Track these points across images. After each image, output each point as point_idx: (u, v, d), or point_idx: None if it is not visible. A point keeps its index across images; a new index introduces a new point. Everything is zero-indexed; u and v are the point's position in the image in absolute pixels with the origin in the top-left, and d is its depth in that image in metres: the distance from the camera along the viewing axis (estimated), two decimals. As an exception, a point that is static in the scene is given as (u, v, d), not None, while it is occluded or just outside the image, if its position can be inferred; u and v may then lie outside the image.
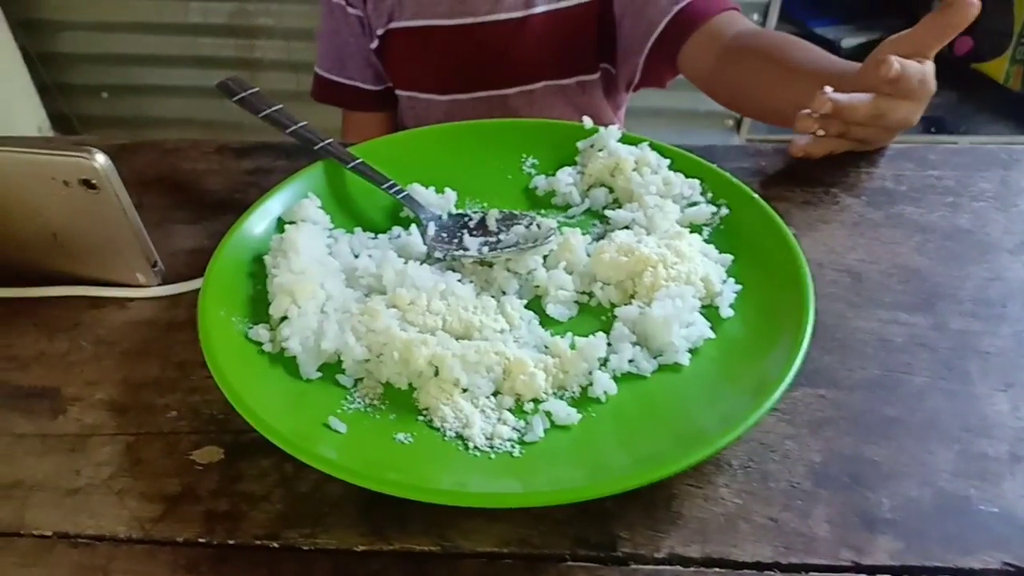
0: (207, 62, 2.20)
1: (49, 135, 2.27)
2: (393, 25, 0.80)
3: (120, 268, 0.45)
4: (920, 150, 0.56)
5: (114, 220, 0.43)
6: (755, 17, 2.01)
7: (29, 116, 2.19)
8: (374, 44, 0.82)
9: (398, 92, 0.85)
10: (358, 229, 0.48)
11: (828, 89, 0.49)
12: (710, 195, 0.49)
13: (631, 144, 0.52)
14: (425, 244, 0.46)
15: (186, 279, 0.46)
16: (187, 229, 0.51)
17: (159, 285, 0.46)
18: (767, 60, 0.63)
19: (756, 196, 0.46)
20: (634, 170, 0.50)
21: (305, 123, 0.53)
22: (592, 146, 0.53)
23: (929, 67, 0.51)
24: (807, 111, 0.50)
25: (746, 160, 0.56)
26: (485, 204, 0.51)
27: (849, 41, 2.80)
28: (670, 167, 0.50)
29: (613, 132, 0.52)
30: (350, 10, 0.81)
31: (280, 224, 0.47)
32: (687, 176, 0.50)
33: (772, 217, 0.45)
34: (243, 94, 0.54)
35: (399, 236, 0.48)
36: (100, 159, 0.40)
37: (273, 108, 0.54)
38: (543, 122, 0.55)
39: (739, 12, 0.71)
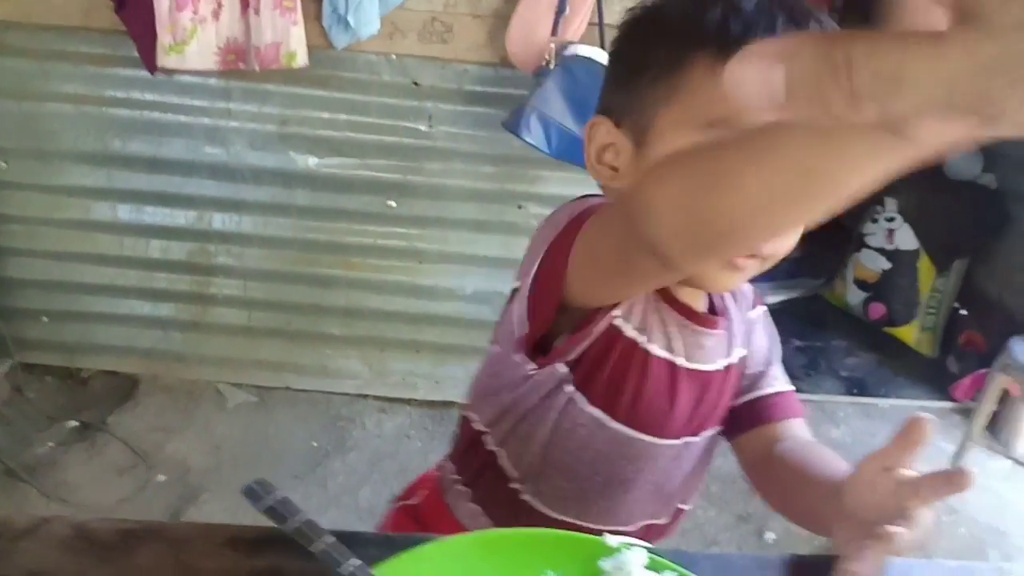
0: (159, 294, 2.22)
1: (-19, 359, 2.19)
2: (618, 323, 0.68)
3: None
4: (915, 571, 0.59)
5: None
6: None
7: (-38, 337, 2.12)
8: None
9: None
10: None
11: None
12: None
13: (656, 571, 0.53)
14: None
15: None
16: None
17: None
18: (791, 470, 0.67)
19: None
20: (662, 607, 0.51)
21: (332, 540, 0.52)
22: (616, 567, 0.54)
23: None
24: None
25: (757, 569, 0.58)
26: (514, 634, 0.51)
27: (770, 299, 3.05)
28: (696, 604, 0.52)
29: (639, 556, 0.54)
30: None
31: None
32: (714, 618, 0.51)
33: None
34: (269, 501, 0.54)
35: None
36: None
37: (296, 521, 0.53)
38: (566, 535, 0.57)
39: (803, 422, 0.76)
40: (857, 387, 2.61)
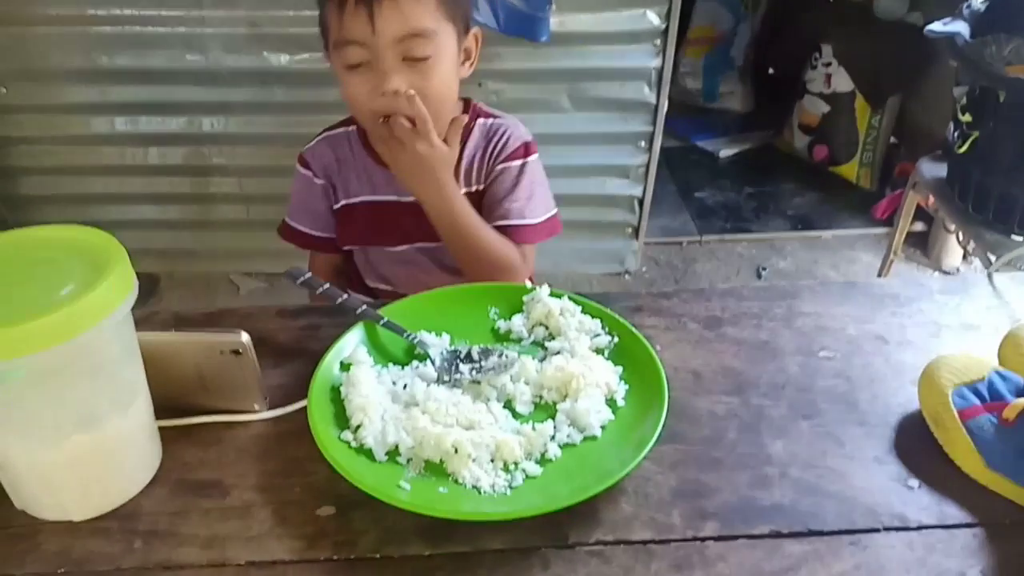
0: (164, 198, 2.44)
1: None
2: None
3: (243, 400, 0.71)
4: (737, 290, 0.87)
5: (245, 372, 0.69)
6: (641, 144, 2.41)
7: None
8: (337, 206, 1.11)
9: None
10: (390, 364, 0.76)
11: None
12: (607, 329, 0.79)
13: (557, 297, 0.82)
14: (436, 371, 0.74)
15: (282, 405, 0.72)
16: (273, 372, 0.77)
17: (268, 410, 0.72)
18: None
19: (635, 330, 0.77)
20: (560, 315, 0.80)
21: (346, 296, 0.80)
22: (533, 299, 0.82)
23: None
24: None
25: (629, 301, 0.86)
26: (468, 341, 0.79)
27: (725, 152, 3.28)
28: (582, 311, 0.80)
29: (544, 290, 0.82)
30: (316, 180, 1.09)
31: (343, 364, 0.74)
32: (592, 317, 0.80)
33: (644, 343, 0.75)
34: (303, 278, 0.81)
35: (417, 367, 0.76)
36: (245, 337, 0.67)
37: (323, 287, 0.80)
38: (502, 284, 0.86)
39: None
40: (801, 223, 2.87)
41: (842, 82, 2.89)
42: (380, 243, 1.11)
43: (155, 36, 2.13)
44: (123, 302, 0.59)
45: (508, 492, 0.63)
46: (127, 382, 0.63)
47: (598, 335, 0.78)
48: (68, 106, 2.24)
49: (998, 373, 0.68)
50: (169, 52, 2.16)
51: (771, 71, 3.68)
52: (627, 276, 2.57)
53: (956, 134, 1.82)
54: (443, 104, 0.97)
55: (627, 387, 0.73)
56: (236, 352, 0.67)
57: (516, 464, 0.66)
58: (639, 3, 2.20)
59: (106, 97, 2.22)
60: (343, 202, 1.09)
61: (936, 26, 1.72)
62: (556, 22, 2.07)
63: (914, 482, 0.66)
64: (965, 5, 1.66)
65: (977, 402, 0.66)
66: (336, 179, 1.09)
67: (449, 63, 0.95)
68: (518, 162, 1.06)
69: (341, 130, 1.10)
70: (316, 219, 1.12)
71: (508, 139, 1.07)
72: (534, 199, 1.06)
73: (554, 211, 1.09)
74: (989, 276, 0.87)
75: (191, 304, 2.45)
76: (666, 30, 2.26)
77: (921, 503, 0.64)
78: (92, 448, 0.61)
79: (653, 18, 2.23)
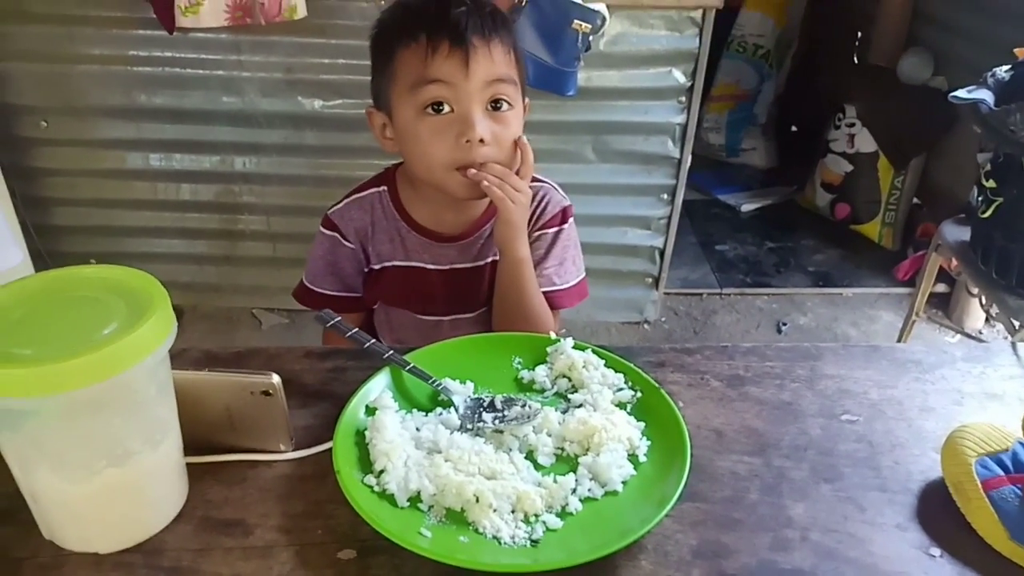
0: (193, 233, 2.49)
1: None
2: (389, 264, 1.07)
3: (270, 440, 0.72)
4: (760, 349, 0.88)
5: (273, 413, 0.70)
6: (663, 196, 2.44)
7: (23, 281, 2.41)
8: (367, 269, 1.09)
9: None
10: (414, 410, 0.77)
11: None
12: (630, 383, 0.80)
13: (580, 350, 0.83)
14: (459, 419, 0.75)
15: (307, 446, 0.73)
16: (299, 412, 0.78)
17: (294, 450, 0.73)
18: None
19: (658, 386, 0.77)
20: (583, 367, 0.80)
21: (373, 340, 0.82)
22: (556, 350, 0.83)
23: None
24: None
25: (651, 355, 0.87)
26: (491, 390, 0.80)
27: (747, 206, 3.30)
28: (605, 365, 0.81)
29: (568, 342, 0.83)
30: (345, 243, 1.07)
31: (368, 408, 0.75)
32: (615, 371, 0.80)
33: (667, 399, 0.76)
34: (333, 322, 0.83)
35: (441, 414, 0.77)
36: (276, 379, 0.68)
37: (352, 331, 0.82)
38: (525, 335, 0.87)
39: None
40: (823, 280, 2.87)
41: (865, 143, 2.91)
42: (411, 308, 1.09)
43: (194, 78, 2.20)
44: (162, 343, 0.60)
45: (528, 544, 0.63)
46: (160, 420, 0.65)
47: (621, 389, 0.79)
48: (105, 141, 2.30)
49: (1022, 444, 0.68)
50: (206, 93, 2.23)
51: (794, 129, 3.73)
52: (646, 326, 2.57)
53: (980, 199, 1.83)
54: (513, 157, 0.98)
55: (649, 443, 0.73)
56: (267, 393, 0.69)
57: (537, 516, 0.66)
58: (665, 62, 2.25)
59: (142, 134, 2.29)
60: (375, 266, 1.08)
61: (961, 93, 1.75)
62: (583, 77, 2.12)
63: (936, 551, 0.65)
64: (989, 73, 1.69)
65: (1001, 473, 0.66)
66: (368, 243, 1.07)
67: (520, 118, 0.97)
68: (554, 229, 1.07)
69: (372, 191, 1.07)
70: (341, 280, 1.09)
71: (547, 205, 1.07)
72: (565, 264, 1.07)
73: (583, 275, 1.10)
74: (1013, 345, 0.87)
75: (213, 338, 2.47)
76: (691, 88, 2.30)
77: (943, 573, 0.63)
78: (122, 483, 0.62)
79: (679, 76, 2.28)
